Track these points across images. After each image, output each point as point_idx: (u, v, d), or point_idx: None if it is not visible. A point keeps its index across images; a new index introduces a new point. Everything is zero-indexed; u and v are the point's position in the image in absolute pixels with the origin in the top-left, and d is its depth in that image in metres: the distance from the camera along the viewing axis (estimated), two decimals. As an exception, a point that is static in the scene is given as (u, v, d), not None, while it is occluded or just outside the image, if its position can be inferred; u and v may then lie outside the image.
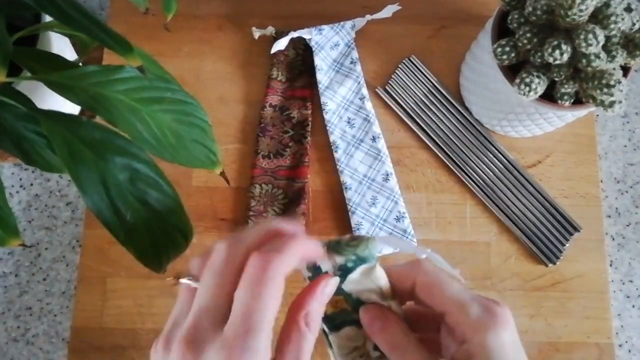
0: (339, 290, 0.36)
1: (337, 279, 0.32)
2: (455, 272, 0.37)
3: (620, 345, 0.60)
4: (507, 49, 0.47)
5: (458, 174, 0.60)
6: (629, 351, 0.60)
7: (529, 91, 0.46)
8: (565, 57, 0.43)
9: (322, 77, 0.62)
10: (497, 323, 0.30)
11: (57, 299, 0.60)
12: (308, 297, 0.30)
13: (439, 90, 0.62)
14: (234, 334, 0.26)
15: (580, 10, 0.41)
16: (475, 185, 0.59)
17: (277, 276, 0.27)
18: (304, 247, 0.29)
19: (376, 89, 0.62)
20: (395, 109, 0.61)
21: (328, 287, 0.31)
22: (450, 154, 0.60)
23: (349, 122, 0.61)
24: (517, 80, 0.47)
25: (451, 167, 0.60)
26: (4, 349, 0.59)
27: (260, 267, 0.27)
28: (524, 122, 0.56)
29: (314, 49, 0.61)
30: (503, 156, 0.60)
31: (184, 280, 0.31)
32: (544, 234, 0.58)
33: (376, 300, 0.37)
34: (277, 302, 0.27)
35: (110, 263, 0.58)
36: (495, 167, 0.60)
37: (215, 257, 0.29)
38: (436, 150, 0.60)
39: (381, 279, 0.37)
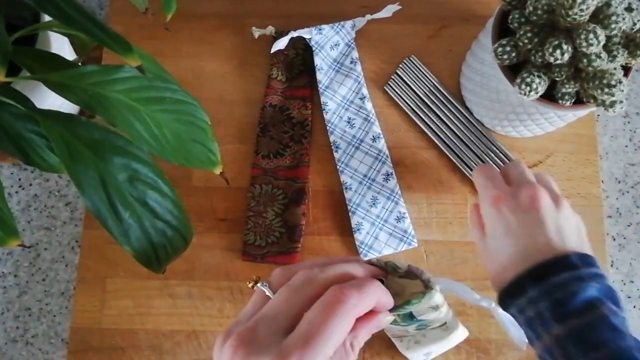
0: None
1: (392, 317, 0.33)
2: (509, 317, 0.38)
3: (621, 346, 0.60)
4: (508, 48, 0.47)
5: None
6: (630, 352, 0.60)
7: (530, 91, 0.46)
8: (566, 56, 0.43)
9: (322, 77, 0.61)
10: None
11: (57, 300, 0.60)
12: (361, 325, 0.31)
13: (440, 90, 0.62)
14: (294, 345, 0.27)
15: (581, 10, 0.41)
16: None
17: (350, 313, 0.28)
18: (381, 296, 0.31)
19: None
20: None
21: (382, 323, 0.32)
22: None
23: (349, 122, 0.61)
24: (518, 80, 0.47)
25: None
26: (3, 350, 0.59)
27: (338, 298, 0.28)
28: (525, 122, 0.56)
29: (314, 48, 0.61)
30: (504, 156, 0.60)
31: (260, 286, 0.32)
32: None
33: (428, 310, 0.38)
34: (341, 337, 0.28)
35: (110, 263, 0.58)
36: (498, 167, 0.59)
37: (296, 277, 0.31)
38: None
39: (438, 299, 0.38)
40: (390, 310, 0.33)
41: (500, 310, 0.38)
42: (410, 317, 0.38)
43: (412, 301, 0.34)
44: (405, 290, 0.36)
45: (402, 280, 0.35)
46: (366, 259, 0.57)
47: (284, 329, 0.28)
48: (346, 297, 0.28)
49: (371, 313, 0.31)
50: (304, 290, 0.30)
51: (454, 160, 0.60)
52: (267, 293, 0.31)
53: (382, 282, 0.34)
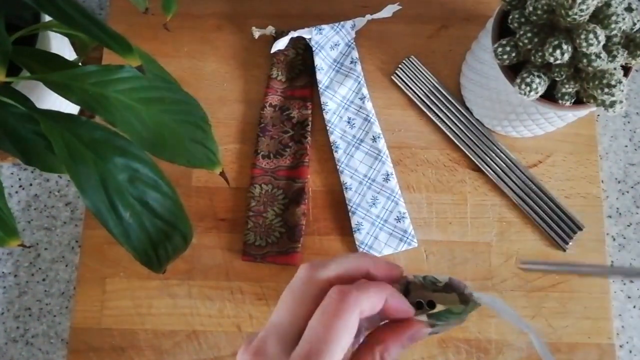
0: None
1: (428, 330, 0.31)
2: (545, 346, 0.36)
3: (621, 346, 0.60)
4: (508, 48, 0.47)
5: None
6: (630, 352, 0.60)
7: (530, 91, 0.46)
8: (566, 56, 0.43)
9: (322, 77, 0.61)
10: None
11: (57, 300, 0.60)
12: (393, 338, 0.29)
13: (440, 90, 0.62)
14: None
15: (581, 10, 0.41)
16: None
17: (352, 311, 0.27)
18: (388, 294, 0.29)
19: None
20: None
21: (416, 336, 0.30)
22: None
23: (349, 122, 0.61)
24: (518, 80, 0.47)
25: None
26: (3, 350, 0.59)
27: (337, 299, 0.27)
28: (525, 122, 0.56)
29: (314, 48, 0.61)
30: (505, 156, 0.60)
31: None
32: (547, 233, 0.58)
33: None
34: (349, 338, 0.27)
35: (110, 263, 0.58)
36: (498, 166, 0.59)
37: (296, 278, 0.30)
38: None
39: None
40: (429, 316, 0.31)
41: (538, 338, 0.37)
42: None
43: (453, 310, 0.31)
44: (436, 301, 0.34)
45: (435, 294, 0.33)
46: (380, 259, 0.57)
47: (291, 338, 0.28)
48: (346, 297, 0.27)
49: (402, 324, 0.30)
50: (304, 293, 0.29)
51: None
52: None
53: (402, 289, 0.32)
